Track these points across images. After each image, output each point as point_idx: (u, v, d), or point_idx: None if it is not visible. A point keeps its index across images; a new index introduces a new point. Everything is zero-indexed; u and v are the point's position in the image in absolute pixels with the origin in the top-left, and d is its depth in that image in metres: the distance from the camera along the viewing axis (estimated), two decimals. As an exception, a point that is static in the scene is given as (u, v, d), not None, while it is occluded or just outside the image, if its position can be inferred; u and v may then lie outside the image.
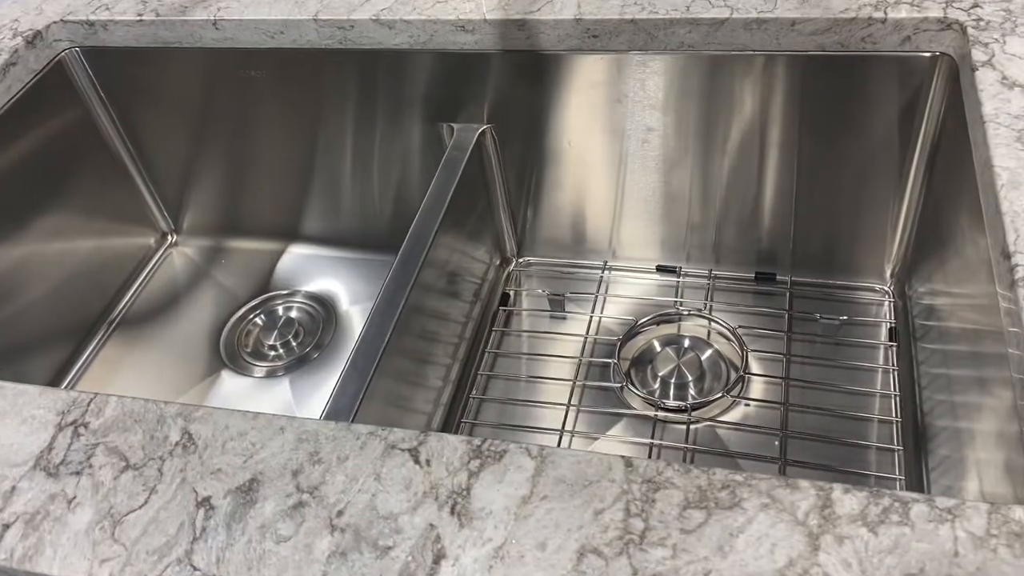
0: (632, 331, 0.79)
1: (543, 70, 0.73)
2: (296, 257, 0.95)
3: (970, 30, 0.60)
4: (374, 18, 0.73)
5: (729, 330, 0.78)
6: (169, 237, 0.99)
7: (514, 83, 0.74)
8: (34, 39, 0.80)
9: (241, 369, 0.85)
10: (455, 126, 0.78)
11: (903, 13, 0.63)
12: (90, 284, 0.90)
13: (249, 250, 0.97)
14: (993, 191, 0.49)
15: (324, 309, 0.90)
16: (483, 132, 0.78)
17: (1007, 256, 0.46)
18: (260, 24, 0.76)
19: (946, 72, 0.63)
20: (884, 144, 0.70)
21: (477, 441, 0.42)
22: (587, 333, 0.81)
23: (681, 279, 0.84)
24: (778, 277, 0.82)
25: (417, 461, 0.42)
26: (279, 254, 0.96)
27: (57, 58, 0.82)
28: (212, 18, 0.77)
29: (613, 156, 0.78)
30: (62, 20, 0.81)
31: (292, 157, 0.87)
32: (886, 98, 0.67)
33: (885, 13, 0.63)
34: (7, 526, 0.42)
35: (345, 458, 0.42)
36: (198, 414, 0.46)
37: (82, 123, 0.86)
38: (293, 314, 0.90)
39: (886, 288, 0.79)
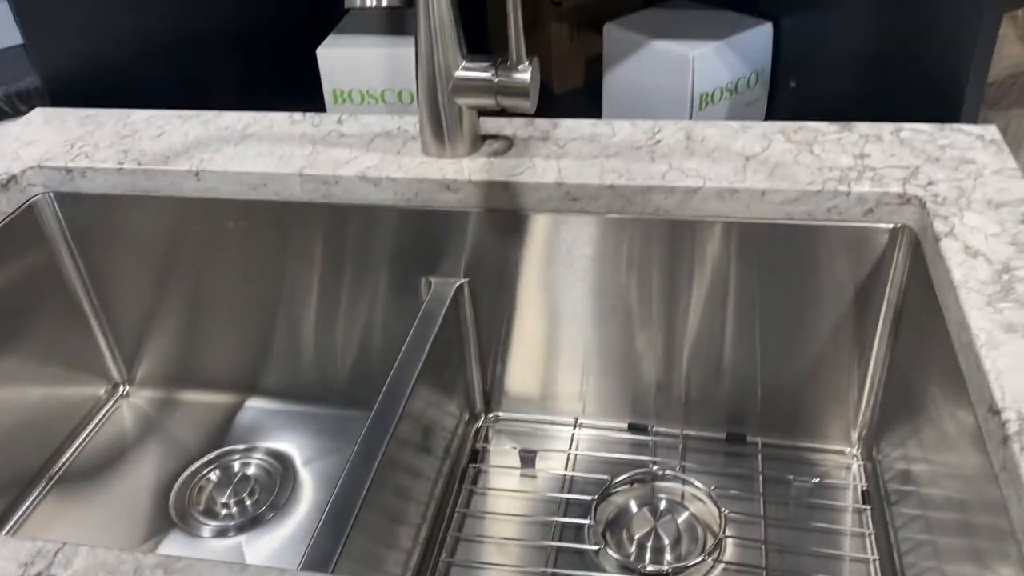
0: (607, 491, 0.78)
1: (521, 228, 0.75)
2: (254, 411, 0.92)
3: (929, 204, 0.64)
4: (360, 175, 0.74)
5: (704, 492, 0.77)
6: (121, 387, 0.95)
7: (492, 239, 0.76)
8: (8, 183, 0.80)
9: (190, 528, 0.80)
10: (432, 280, 0.79)
11: (865, 187, 0.67)
12: (33, 434, 0.85)
13: (205, 403, 0.93)
14: (973, 351, 0.51)
15: (282, 465, 0.86)
16: (459, 286, 0.79)
17: (996, 412, 0.47)
18: (244, 176, 0.77)
19: (907, 242, 0.67)
20: (847, 310, 0.73)
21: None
22: (560, 492, 0.79)
23: (653, 438, 0.83)
24: (748, 438, 0.82)
25: (421, 619, 0.39)
26: (237, 407, 0.93)
27: (29, 202, 0.81)
28: (195, 169, 0.78)
29: (584, 313, 0.79)
30: (39, 166, 0.81)
31: (256, 308, 0.86)
32: (850, 265, 0.70)
33: (849, 187, 0.67)
34: None
35: (342, 616, 0.39)
36: (179, 565, 0.42)
37: (46, 266, 0.84)
38: (250, 470, 0.86)
39: (854, 451, 0.80)
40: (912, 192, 0.66)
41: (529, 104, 0.71)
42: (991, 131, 0.73)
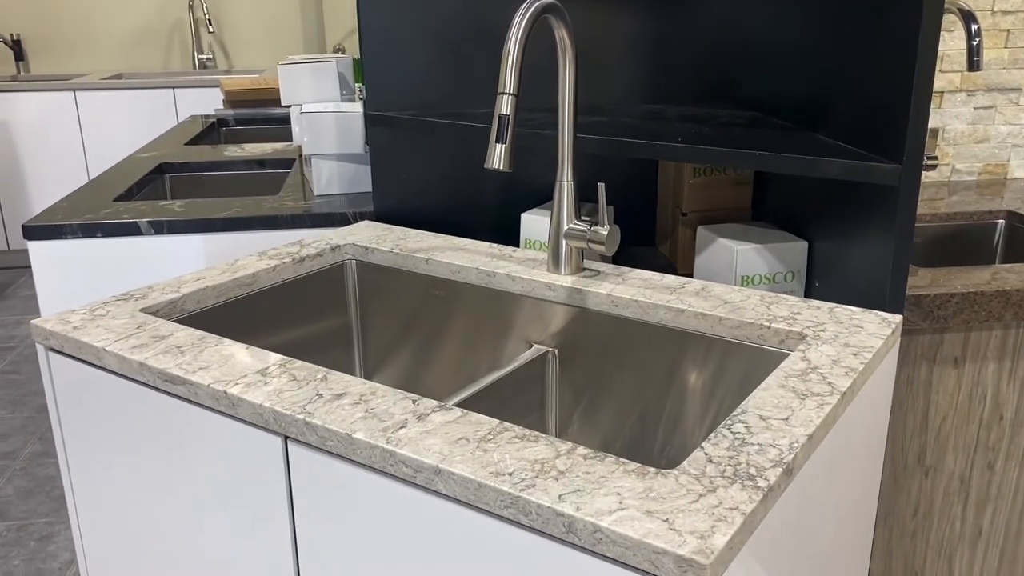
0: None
1: (588, 320, 1.24)
2: (426, 419, 1.46)
3: (809, 339, 1.05)
4: (506, 274, 1.30)
5: None
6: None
7: (572, 324, 1.26)
8: (335, 249, 1.46)
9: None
10: (534, 344, 1.30)
11: (782, 325, 1.09)
12: (303, 392, 1.46)
13: (400, 407, 1.49)
14: (758, 392, 0.92)
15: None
16: (547, 352, 1.29)
17: (739, 412, 0.88)
18: (449, 265, 1.36)
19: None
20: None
21: None
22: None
23: (649, 481, 1.24)
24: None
25: None
26: (416, 414, 1.47)
27: (341, 261, 1.47)
28: (426, 258, 1.38)
29: (623, 376, 1.24)
30: (354, 244, 1.47)
31: (443, 342, 1.42)
32: (763, 367, 1.10)
33: (770, 325, 1.09)
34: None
35: None
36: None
37: (339, 301, 1.48)
38: (409, 444, 1.39)
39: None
40: (806, 333, 1.07)
41: (605, 248, 1.23)
42: (894, 317, 1.11)
